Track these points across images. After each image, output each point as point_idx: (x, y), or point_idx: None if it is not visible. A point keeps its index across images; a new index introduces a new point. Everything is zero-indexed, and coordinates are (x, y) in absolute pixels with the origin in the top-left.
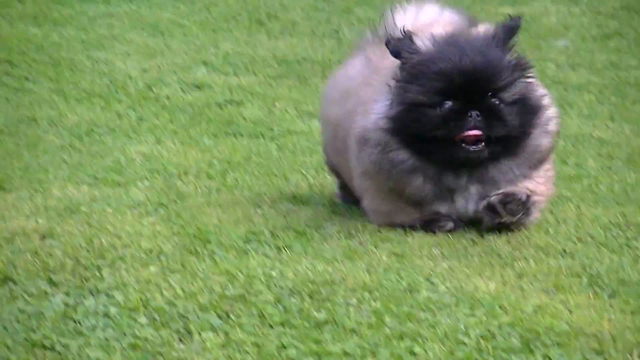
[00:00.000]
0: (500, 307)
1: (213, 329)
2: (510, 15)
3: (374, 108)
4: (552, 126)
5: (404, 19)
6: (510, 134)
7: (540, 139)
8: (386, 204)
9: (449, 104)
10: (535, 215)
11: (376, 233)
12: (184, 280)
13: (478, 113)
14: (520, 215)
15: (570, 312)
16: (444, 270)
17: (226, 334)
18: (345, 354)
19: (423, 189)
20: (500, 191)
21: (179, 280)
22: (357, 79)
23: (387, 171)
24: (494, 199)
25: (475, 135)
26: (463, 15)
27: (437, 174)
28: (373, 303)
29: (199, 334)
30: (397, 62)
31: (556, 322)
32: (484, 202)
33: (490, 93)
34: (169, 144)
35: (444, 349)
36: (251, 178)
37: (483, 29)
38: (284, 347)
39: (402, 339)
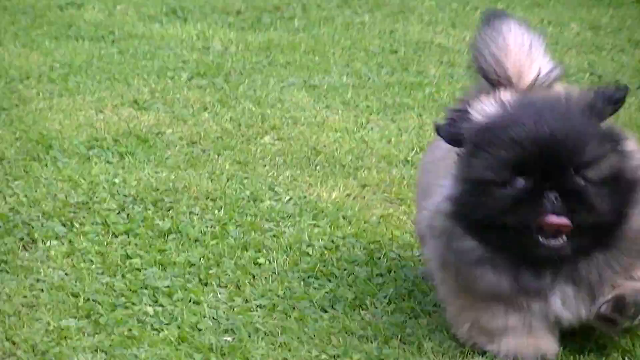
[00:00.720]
0: (344, 217)
1: (57, 237)
2: (617, 84)
3: (439, 188)
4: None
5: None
6: (601, 221)
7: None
8: (457, 305)
9: (521, 181)
10: None
11: (218, 140)
12: (27, 187)
13: (557, 195)
14: None
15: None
16: (286, 179)
17: (70, 242)
18: (190, 264)
19: (499, 285)
20: (608, 298)
21: (22, 186)
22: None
23: (454, 264)
24: (604, 309)
25: (555, 224)
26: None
27: (514, 269)
28: (217, 212)
29: (43, 242)
30: None
31: (399, 233)
32: (594, 314)
33: (573, 169)
34: (10, 47)
35: (289, 260)
36: (93, 82)
37: (574, 92)
38: (128, 256)
39: (246, 249)
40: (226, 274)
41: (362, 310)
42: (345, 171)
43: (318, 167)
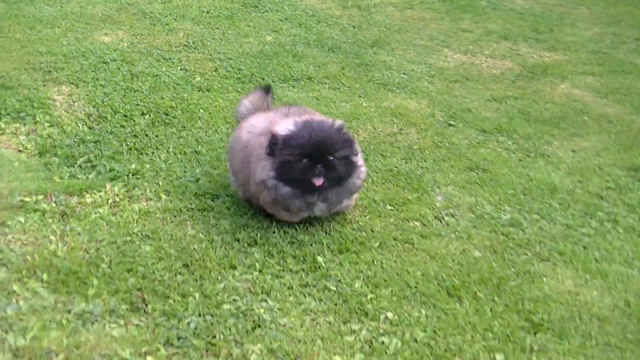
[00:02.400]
0: None
1: None
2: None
3: (265, 165)
4: (362, 175)
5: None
6: (340, 176)
7: (355, 181)
8: (277, 211)
9: (305, 161)
10: (352, 205)
11: None
12: None
13: (321, 167)
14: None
15: None
16: None
17: None
18: None
19: (298, 206)
20: (339, 206)
21: None
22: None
23: (279, 200)
24: (337, 210)
25: (318, 182)
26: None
27: (303, 197)
28: None
29: None
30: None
31: None
32: (333, 212)
33: (329, 155)
34: None
35: None
36: None
37: (331, 120)
38: None
39: None
40: None
41: None
42: None
43: None
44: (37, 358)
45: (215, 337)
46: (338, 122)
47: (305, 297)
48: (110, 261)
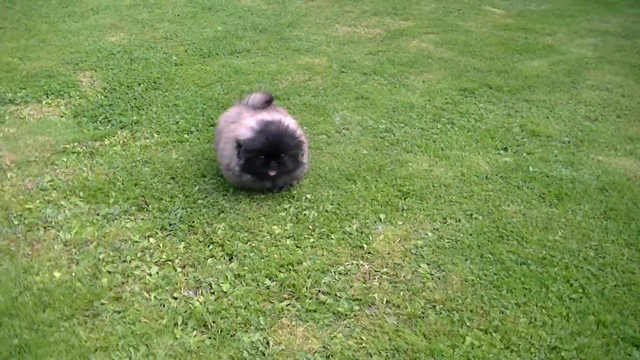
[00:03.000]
0: None
1: None
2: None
3: (232, 158)
4: (304, 169)
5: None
6: (288, 170)
7: (299, 173)
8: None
9: (261, 158)
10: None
11: None
12: None
13: (275, 162)
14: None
15: None
16: None
17: None
18: None
19: (256, 185)
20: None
21: None
22: (232, 118)
23: (243, 183)
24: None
25: (272, 172)
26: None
27: (261, 182)
28: None
29: None
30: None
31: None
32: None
33: (282, 153)
34: None
35: None
36: None
37: (286, 122)
38: None
39: None
40: None
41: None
42: None
43: None
44: (79, 245)
45: (194, 221)
46: (291, 125)
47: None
48: (123, 180)
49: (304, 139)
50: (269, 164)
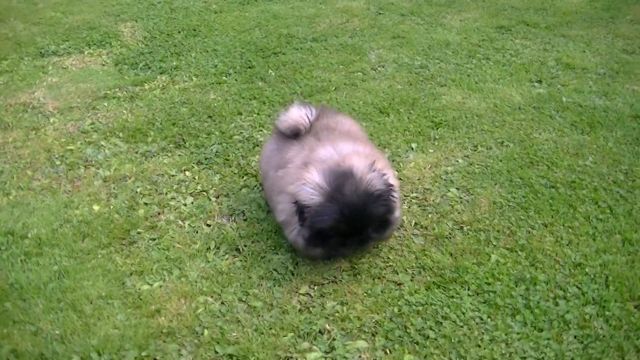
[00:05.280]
0: None
1: None
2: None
3: (293, 220)
4: (395, 226)
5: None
6: (375, 239)
7: (389, 233)
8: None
9: (335, 239)
10: None
11: None
12: None
13: (355, 240)
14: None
15: None
16: None
17: None
18: None
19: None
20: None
21: None
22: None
23: (311, 255)
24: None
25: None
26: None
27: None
28: None
29: None
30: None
31: None
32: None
33: (366, 228)
34: None
35: None
36: None
37: (366, 171)
38: None
39: None
40: None
41: None
42: None
43: None
44: (118, 181)
45: (229, 155)
46: (375, 177)
47: None
48: (161, 120)
49: (393, 182)
50: (346, 243)
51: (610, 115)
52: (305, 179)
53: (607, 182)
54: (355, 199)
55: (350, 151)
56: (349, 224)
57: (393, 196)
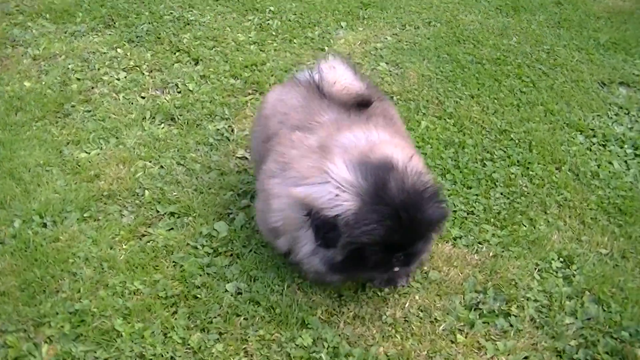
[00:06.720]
0: None
1: None
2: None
3: (302, 237)
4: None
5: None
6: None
7: (426, 255)
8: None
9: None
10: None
11: None
12: None
13: (404, 254)
14: None
15: None
16: None
17: None
18: None
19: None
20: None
21: None
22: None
23: (325, 281)
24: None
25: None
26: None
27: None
28: None
29: None
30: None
31: None
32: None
33: (419, 239)
34: None
35: None
36: None
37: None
38: None
39: None
40: None
41: None
42: None
43: None
44: (48, 59)
45: (160, 34)
46: (424, 175)
47: (217, 5)
48: (89, 2)
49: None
50: (391, 259)
51: (533, 1)
52: (329, 172)
53: (530, 59)
54: (408, 199)
55: (381, 140)
56: (404, 234)
57: (446, 207)
